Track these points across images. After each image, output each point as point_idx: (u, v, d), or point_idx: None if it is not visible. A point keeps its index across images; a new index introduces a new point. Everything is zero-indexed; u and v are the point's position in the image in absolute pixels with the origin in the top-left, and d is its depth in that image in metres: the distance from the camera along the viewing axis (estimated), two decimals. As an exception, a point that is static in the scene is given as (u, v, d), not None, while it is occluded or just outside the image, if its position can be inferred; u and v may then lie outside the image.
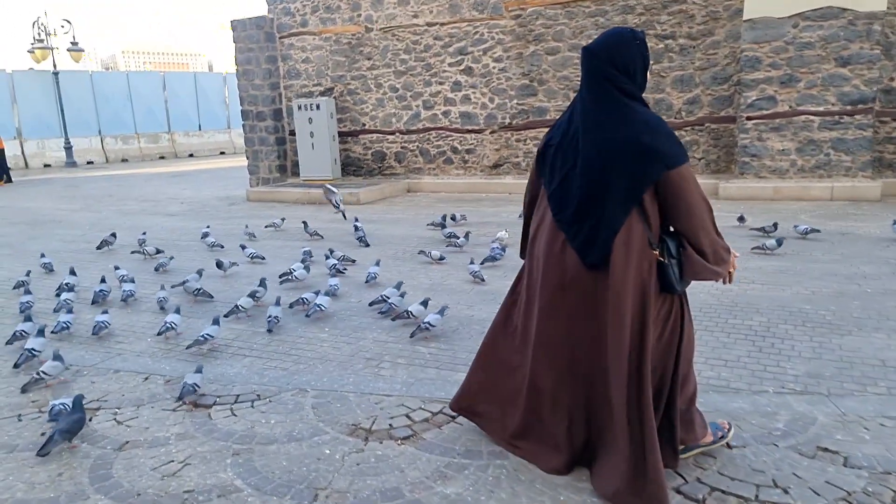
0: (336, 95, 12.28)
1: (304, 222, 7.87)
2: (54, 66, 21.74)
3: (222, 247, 7.19)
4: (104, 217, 10.29)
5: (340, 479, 2.52)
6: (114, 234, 7.65)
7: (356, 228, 7.46)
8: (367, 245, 7.10)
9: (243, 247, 6.76)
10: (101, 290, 5.28)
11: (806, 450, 2.58)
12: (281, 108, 12.88)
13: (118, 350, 4.15)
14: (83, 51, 22.63)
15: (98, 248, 7.42)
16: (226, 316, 4.53)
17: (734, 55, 9.43)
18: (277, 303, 4.50)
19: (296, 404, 3.22)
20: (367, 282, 5.44)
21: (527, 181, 2.65)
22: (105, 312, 4.51)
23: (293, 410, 3.15)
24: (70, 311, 4.57)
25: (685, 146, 9.39)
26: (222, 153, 26.22)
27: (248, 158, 13.32)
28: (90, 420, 3.11)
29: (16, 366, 3.79)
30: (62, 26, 21.64)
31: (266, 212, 10.17)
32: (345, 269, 5.84)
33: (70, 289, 5.20)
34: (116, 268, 5.97)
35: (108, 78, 25.76)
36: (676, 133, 10.36)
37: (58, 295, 5.36)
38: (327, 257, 6.08)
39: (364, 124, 12.23)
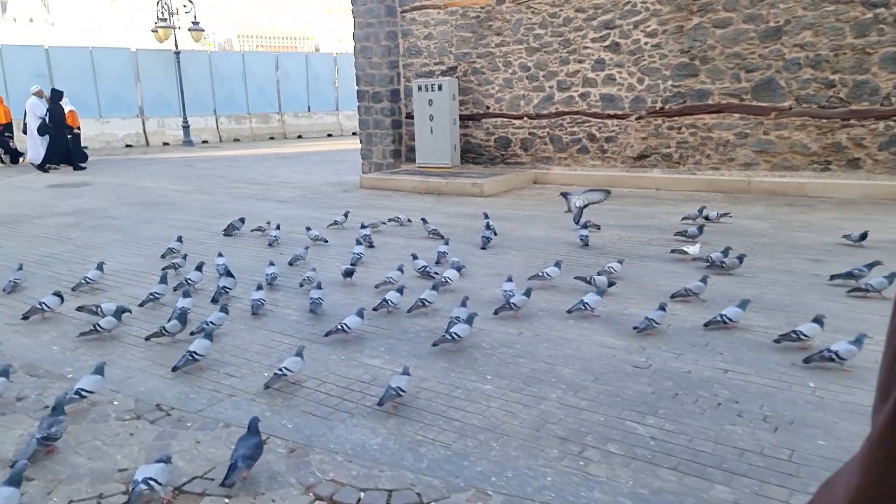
0: (459, 75, 11.18)
1: (423, 219, 6.93)
2: (176, 45, 22.08)
3: (326, 241, 6.54)
4: (216, 200, 9.79)
5: None
6: (242, 220, 7.27)
7: (487, 227, 6.43)
8: (484, 248, 6.11)
9: (359, 241, 5.95)
10: (223, 287, 4.68)
11: None
12: (399, 88, 11.95)
13: (229, 387, 3.25)
14: (204, 30, 22.88)
15: (225, 232, 7.08)
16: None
17: (965, 27, 7.46)
18: (463, 303, 3.98)
19: (477, 522, 2.15)
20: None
21: None
22: (259, 289, 4.42)
23: (477, 536, 2.08)
24: (225, 311, 4.01)
25: (893, 140, 7.57)
26: (329, 135, 25.97)
27: (361, 142, 12.54)
28: (190, 518, 2.20)
29: (174, 369, 3.40)
30: (184, 6, 21.94)
31: (381, 201, 9.32)
32: (436, 275, 5.02)
33: (185, 293, 4.35)
34: (220, 255, 5.34)
35: (224, 58, 26.03)
36: (884, 124, 8.13)
37: (176, 289, 4.80)
38: (415, 258, 5.29)
39: (488, 107, 11.06)
